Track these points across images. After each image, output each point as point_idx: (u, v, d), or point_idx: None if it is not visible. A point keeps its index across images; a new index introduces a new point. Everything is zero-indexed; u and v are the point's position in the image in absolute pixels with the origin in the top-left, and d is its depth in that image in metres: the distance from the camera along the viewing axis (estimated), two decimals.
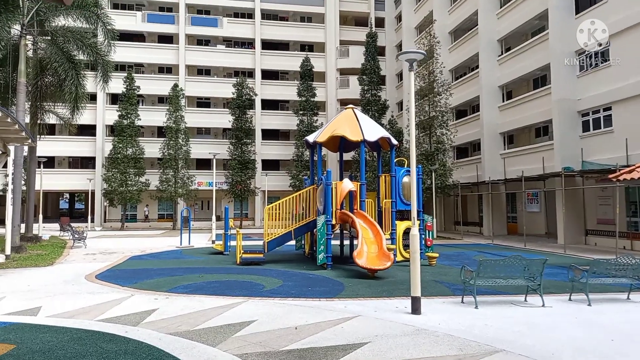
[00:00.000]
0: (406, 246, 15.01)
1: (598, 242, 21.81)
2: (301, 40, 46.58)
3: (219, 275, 12.82)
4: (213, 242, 22.51)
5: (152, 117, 41.61)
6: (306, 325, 7.46)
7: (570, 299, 9.54)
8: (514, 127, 27.93)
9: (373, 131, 15.76)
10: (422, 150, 29.83)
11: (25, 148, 22.12)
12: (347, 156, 33.61)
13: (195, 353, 6.12)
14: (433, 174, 27.69)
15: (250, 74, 44.63)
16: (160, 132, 42.35)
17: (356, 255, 12.66)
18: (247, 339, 6.76)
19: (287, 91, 44.55)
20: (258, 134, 43.58)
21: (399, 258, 15.01)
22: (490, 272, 9.18)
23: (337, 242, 17.98)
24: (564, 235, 22.23)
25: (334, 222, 14.66)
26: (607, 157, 20.14)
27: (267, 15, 46.45)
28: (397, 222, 15.66)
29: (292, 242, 17.48)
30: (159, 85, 42.53)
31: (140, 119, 39.54)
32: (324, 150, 21.87)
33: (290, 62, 44.80)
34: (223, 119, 42.30)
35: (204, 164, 42.16)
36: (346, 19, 48.62)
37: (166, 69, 44.97)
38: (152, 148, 40.11)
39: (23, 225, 23.84)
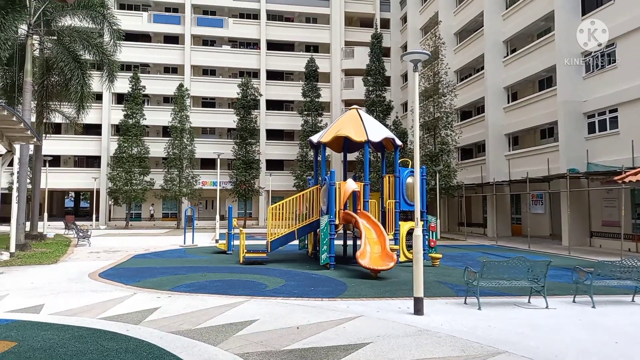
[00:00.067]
0: (409, 247, 14.95)
1: (603, 244, 21.67)
2: (306, 41, 46.63)
3: (221, 275, 12.82)
4: (217, 241, 22.52)
5: (157, 116, 41.82)
6: (308, 325, 7.44)
7: (574, 301, 9.47)
8: (519, 128, 27.83)
9: (377, 132, 15.73)
10: (426, 151, 29.77)
11: (31, 147, 22.19)
12: (351, 157, 33.55)
13: (196, 352, 6.11)
14: (437, 174, 27.62)
15: (255, 74, 44.72)
16: (165, 131, 42.51)
17: (359, 255, 12.63)
18: (249, 338, 6.75)
19: (292, 92, 44.60)
20: (262, 134, 43.64)
21: (402, 259, 14.97)
22: (494, 274, 9.12)
23: (340, 242, 17.93)
24: (568, 237, 22.06)
25: (337, 222, 14.64)
26: (613, 159, 20.01)
27: (273, 16, 46.52)
28: (400, 222, 15.61)
29: (296, 242, 17.46)
30: (164, 85, 42.71)
31: (145, 119, 39.73)
32: (328, 151, 21.81)
33: (295, 62, 44.87)
34: (228, 119, 42.41)
35: (208, 163, 42.24)
36: (351, 20, 48.60)
37: (172, 69, 45.13)
38: (157, 147, 40.29)
39: (28, 223, 23.98)
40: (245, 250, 15.39)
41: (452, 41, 34.62)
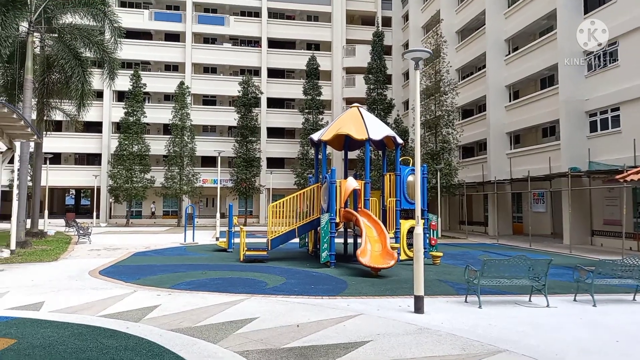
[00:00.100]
0: (410, 245, 14.92)
1: (604, 242, 21.64)
2: (307, 39, 46.56)
3: (222, 272, 12.81)
4: (217, 239, 22.51)
5: (158, 114, 41.81)
6: (308, 323, 7.42)
7: (575, 300, 9.45)
8: (520, 127, 27.78)
9: (378, 130, 15.69)
10: (427, 150, 29.74)
11: (32, 144, 22.19)
12: (352, 155, 33.48)
13: (196, 350, 6.09)
14: (438, 173, 27.58)
15: (256, 72, 44.71)
16: (166, 129, 42.49)
17: (360, 253, 12.61)
18: (249, 336, 6.73)
19: (293, 89, 44.55)
20: (263, 132, 43.62)
21: (403, 257, 14.96)
22: (495, 272, 9.10)
23: (341, 240, 17.92)
24: (569, 235, 22.07)
25: (337, 220, 14.61)
26: (615, 158, 19.97)
27: (274, 14, 46.44)
28: (401, 220, 15.59)
29: (296, 240, 17.44)
30: (165, 83, 42.71)
31: (146, 116, 39.69)
32: (329, 149, 21.82)
33: (297, 60, 44.83)
34: (229, 117, 42.38)
35: (209, 161, 42.23)
36: (353, 18, 48.51)
37: (172, 67, 45.10)
38: (158, 145, 40.27)
39: (29, 221, 23.99)
40: (245, 248, 15.37)
41: (453, 39, 34.55)
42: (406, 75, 44.21)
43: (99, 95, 37.08)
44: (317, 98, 41.33)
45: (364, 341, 6.48)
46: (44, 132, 25.55)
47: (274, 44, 45.75)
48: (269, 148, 43.81)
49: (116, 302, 8.92)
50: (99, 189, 40.71)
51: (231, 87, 42.78)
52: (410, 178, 15.86)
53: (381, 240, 13.35)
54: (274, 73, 45.55)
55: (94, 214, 39.70)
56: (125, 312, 8.11)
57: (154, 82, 42.04)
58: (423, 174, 16.24)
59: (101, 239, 23.90)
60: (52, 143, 35.15)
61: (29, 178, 24.51)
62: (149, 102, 43.08)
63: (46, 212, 30.16)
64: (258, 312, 8.14)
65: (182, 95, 39.27)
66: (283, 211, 15.73)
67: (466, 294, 9.40)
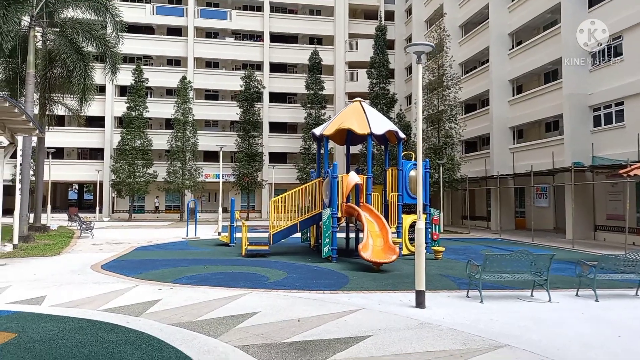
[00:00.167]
0: (412, 240, 14.89)
1: (607, 237, 21.56)
2: (310, 33, 46.39)
3: (223, 267, 12.82)
4: (219, 233, 22.54)
5: (160, 109, 41.75)
6: (309, 318, 7.41)
7: (577, 295, 9.41)
8: (523, 121, 27.63)
9: (380, 124, 15.62)
10: (430, 144, 29.64)
11: (34, 139, 22.23)
12: (354, 149, 33.49)
13: (196, 344, 6.09)
14: (441, 167, 27.50)
15: (258, 66, 44.58)
16: (168, 124, 42.46)
17: (361, 248, 12.60)
18: (250, 330, 6.72)
19: (295, 84, 44.43)
20: (265, 127, 43.58)
21: (405, 252, 14.93)
22: (497, 267, 9.07)
23: (343, 235, 17.92)
24: (572, 230, 21.97)
25: (339, 215, 14.59)
26: (618, 152, 19.84)
27: (276, 8, 46.26)
28: (403, 215, 15.56)
29: (298, 235, 17.43)
30: (167, 78, 42.64)
31: (148, 111, 39.73)
32: (331, 144, 21.74)
33: (299, 55, 44.68)
34: (231, 112, 42.32)
35: (211, 156, 42.19)
36: (355, 12, 48.29)
37: (175, 62, 45.01)
38: (160, 140, 40.29)
39: (31, 215, 24.06)
40: (247, 243, 15.38)
41: (457, 34, 34.36)
42: (409, 69, 44.00)
43: (101, 89, 37.06)
44: (320, 92, 41.25)
45: (365, 336, 6.47)
46: (47, 127, 25.57)
47: (276, 38, 45.60)
48: (271, 143, 43.77)
49: (117, 296, 8.93)
50: (101, 184, 40.80)
51: (233, 81, 42.73)
52: (412, 173, 15.80)
53: (383, 235, 13.33)
54: (276, 67, 45.43)
55: (97, 208, 39.78)
56: (126, 306, 8.12)
57: (156, 77, 41.98)
58: (425, 168, 16.21)
59: (104, 233, 23.96)
60: (55, 138, 35.18)
61: (31, 173, 24.57)
62: (151, 97, 43.03)
63: (49, 206, 30.22)
64: (259, 306, 8.14)
65: (184, 89, 39.22)
66: (285, 206, 15.71)
67: (468, 289, 9.37)
